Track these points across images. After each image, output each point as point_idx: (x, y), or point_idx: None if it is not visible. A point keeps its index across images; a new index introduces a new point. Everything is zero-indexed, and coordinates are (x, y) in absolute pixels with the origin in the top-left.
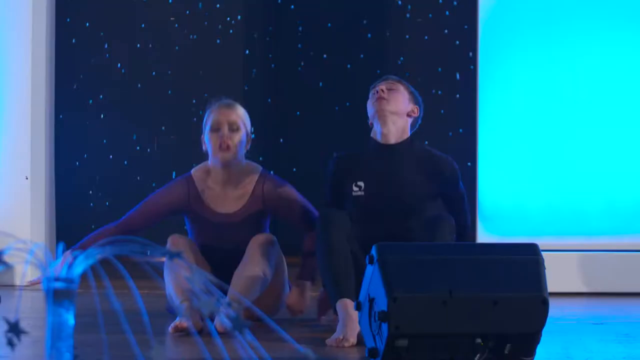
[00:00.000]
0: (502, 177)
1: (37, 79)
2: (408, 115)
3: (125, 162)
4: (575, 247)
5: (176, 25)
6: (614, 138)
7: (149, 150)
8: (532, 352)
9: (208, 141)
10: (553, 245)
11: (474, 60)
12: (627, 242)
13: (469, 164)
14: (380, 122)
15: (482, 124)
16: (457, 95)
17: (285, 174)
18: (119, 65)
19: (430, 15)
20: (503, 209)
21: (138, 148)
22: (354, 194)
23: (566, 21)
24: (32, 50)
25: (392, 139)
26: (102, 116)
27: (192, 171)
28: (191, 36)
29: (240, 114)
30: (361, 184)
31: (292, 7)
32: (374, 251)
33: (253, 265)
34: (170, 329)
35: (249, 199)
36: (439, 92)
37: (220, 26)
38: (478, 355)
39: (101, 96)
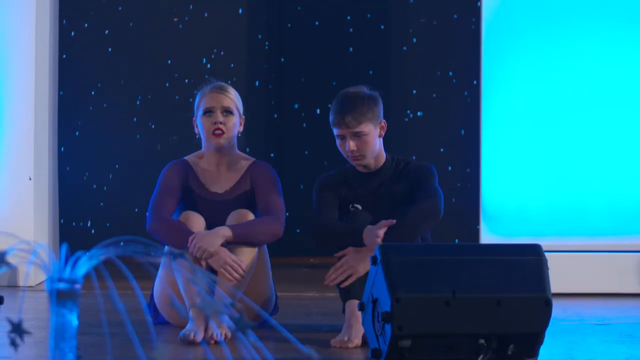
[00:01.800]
0: (505, 178)
1: (40, 80)
2: (379, 136)
3: (129, 162)
4: (578, 247)
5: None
6: (615, 139)
7: (153, 150)
8: (535, 353)
9: (201, 125)
10: (556, 245)
11: (477, 62)
12: (629, 243)
13: (473, 164)
14: (355, 165)
15: (486, 125)
16: (461, 98)
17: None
18: (121, 67)
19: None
20: (506, 209)
21: (142, 148)
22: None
23: (568, 22)
24: (36, 50)
25: (373, 167)
26: (105, 117)
27: (185, 157)
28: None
29: (233, 97)
30: (358, 206)
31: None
32: (377, 252)
33: (239, 254)
34: (180, 337)
35: (240, 178)
36: (442, 94)
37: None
38: (481, 356)
39: (103, 96)
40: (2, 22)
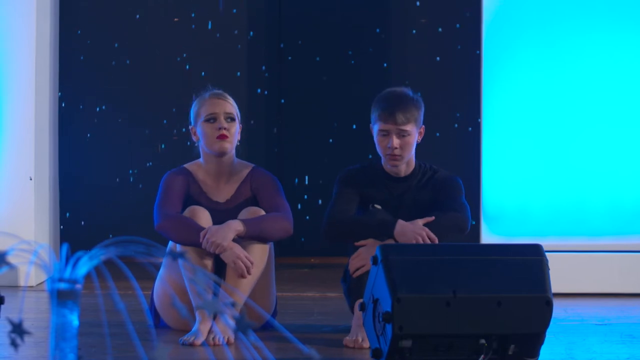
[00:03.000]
0: (505, 178)
1: (41, 79)
2: (417, 141)
3: (129, 163)
4: (579, 247)
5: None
6: (617, 139)
7: (153, 150)
8: (535, 353)
9: (202, 132)
10: (556, 246)
11: (478, 62)
12: (630, 243)
13: (473, 164)
14: (391, 166)
15: (486, 124)
16: (461, 97)
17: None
18: (122, 67)
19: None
20: (507, 209)
21: (142, 148)
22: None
23: (568, 22)
24: (36, 51)
25: (402, 172)
26: (105, 117)
27: (184, 165)
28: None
29: (233, 104)
30: (378, 206)
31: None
32: (378, 252)
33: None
34: (181, 341)
35: (240, 185)
36: (443, 93)
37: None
38: (482, 356)
39: (104, 97)
40: (2, 24)
